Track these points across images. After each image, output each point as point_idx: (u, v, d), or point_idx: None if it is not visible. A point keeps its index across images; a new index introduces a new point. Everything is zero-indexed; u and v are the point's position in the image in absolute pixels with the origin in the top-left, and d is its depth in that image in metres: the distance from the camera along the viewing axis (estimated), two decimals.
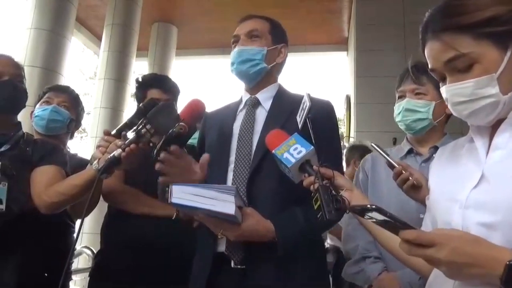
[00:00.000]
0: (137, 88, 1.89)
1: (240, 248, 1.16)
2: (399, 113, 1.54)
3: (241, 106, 1.41)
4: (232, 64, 1.38)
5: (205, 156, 1.22)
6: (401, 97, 1.55)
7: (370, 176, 1.62)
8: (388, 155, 1.26)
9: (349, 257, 1.58)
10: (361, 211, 0.76)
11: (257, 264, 1.15)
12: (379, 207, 0.72)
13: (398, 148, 1.65)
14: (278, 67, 1.43)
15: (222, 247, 1.18)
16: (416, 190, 1.19)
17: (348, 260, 1.59)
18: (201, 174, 1.20)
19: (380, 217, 0.73)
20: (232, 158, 1.27)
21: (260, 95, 1.38)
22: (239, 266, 1.16)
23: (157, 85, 1.84)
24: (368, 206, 0.73)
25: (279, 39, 1.42)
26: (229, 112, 1.41)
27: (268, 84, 1.40)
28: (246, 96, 1.41)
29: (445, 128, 1.57)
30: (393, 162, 1.24)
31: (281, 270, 1.15)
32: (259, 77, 1.38)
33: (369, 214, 0.75)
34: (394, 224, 0.72)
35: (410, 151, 1.57)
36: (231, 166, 1.26)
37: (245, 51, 1.35)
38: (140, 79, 1.92)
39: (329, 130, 1.29)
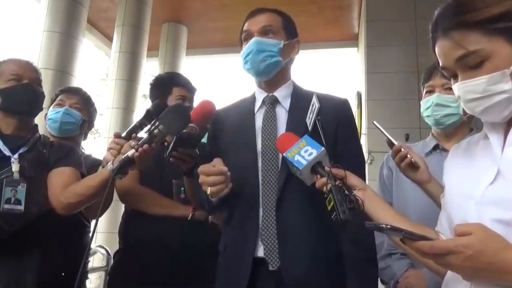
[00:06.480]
0: (160, 85, 1.85)
1: (277, 253, 1.16)
2: (427, 108, 1.51)
3: (258, 104, 1.35)
4: (247, 55, 1.28)
5: (218, 160, 1.18)
6: (429, 92, 1.53)
7: (395, 173, 1.60)
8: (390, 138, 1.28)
9: None
10: (376, 229, 0.76)
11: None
12: (394, 227, 0.72)
13: (423, 143, 1.62)
14: (292, 62, 1.38)
15: (260, 252, 1.17)
16: (414, 170, 1.20)
17: None
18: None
19: (397, 233, 0.72)
20: (260, 158, 1.25)
21: (278, 93, 1.33)
22: (275, 269, 1.15)
23: (181, 83, 1.84)
24: (383, 225, 0.72)
25: (292, 33, 1.35)
26: (245, 110, 1.36)
27: (283, 81, 1.35)
28: (261, 94, 1.35)
29: (474, 124, 1.54)
30: (392, 140, 1.26)
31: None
32: (274, 71, 1.30)
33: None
34: (411, 238, 0.71)
35: (435, 147, 1.55)
36: (259, 167, 1.24)
37: (262, 42, 1.27)
38: (163, 76, 1.92)
39: (347, 130, 1.28)
